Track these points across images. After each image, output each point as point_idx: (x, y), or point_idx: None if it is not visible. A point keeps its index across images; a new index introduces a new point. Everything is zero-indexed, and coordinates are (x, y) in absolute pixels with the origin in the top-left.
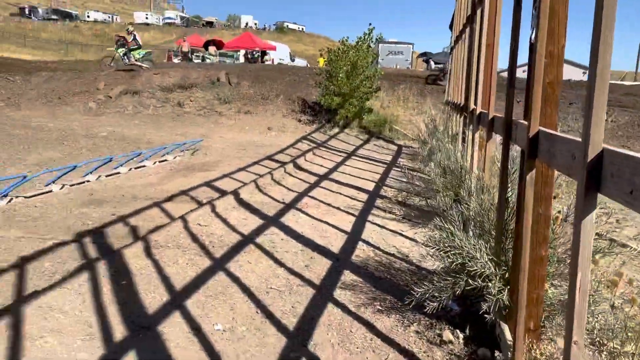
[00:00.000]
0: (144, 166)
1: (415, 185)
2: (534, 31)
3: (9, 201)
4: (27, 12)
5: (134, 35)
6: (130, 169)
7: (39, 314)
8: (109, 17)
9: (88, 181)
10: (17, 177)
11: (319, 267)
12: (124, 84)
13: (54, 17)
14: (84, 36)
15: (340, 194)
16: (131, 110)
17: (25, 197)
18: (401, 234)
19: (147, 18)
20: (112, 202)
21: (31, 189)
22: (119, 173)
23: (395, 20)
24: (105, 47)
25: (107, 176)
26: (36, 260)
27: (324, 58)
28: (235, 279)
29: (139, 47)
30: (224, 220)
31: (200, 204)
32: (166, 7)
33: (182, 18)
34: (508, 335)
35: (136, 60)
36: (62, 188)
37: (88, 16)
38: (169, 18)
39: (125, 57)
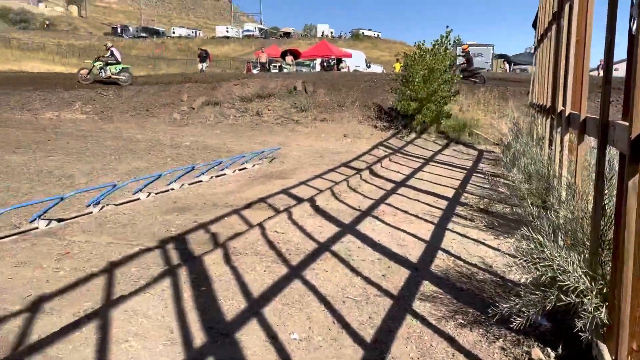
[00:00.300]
0: (224, 174)
1: (498, 192)
2: (635, 21)
3: (101, 208)
4: (119, 31)
5: (112, 51)
6: (211, 177)
7: (124, 317)
8: (193, 32)
9: (172, 189)
10: (108, 185)
11: (396, 277)
12: (205, 95)
13: (143, 34)
14: (169, 51)
15: (418, 201)
16: (212, 120)
17: (115, 205)
18: (484, 243)
19: (227, 31)
20: (194, 209)
21: (120, 197)
22: (201, 181)
23: (474, 22)
24: (189, 61)
25: (189, 184)
26: (123, 266)
27: (400, 63)
28: (312, 287)
29: (118, 63)
30: (301, 228)
31: (277, 211)
32: (245, 20)
33: (260, 30)
34: (607, 357)
35: (112, 74)
36: (148, 196)
37: (173, 32)
38: (248, 30)
39: (102, 70)
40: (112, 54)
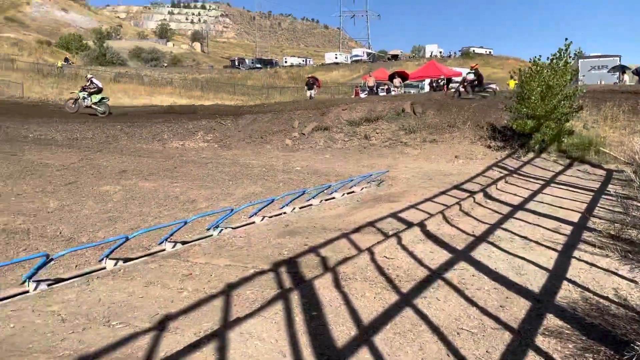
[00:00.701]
0: (333, 198)
1: (632, 217)
2: None
3: (220, 231)
4: (236, 64)
5: (92, 81)
6: (321, 201)
7: (240, 340)
8: (303, 61)
9: (284, 213)
10: (226, 210)
11: (515, 308)
12: (315, 121)
13: (258, 65)
14: (282, 80)
15: (539, 226)
16: (322, 145)
17: (232, 228)
18: (616, 274)
19: (336, 58)
20: (305, 233)
21: (237, 221)
22: (311, 205)
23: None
24: (300, 88)
25: (300, 208)
26: (239, 287)
27: (514, 80)
28: (424, 317)
29: (99, 92)
30: (411, 253)
31: (386, 236)
32: (354, 45)
33: (368, 54)
34: None
35: (92, 104)
36: (262, 219)
37: (285, 62)
38: (356, 56)
39: (85, 100)
40: (92, 83)
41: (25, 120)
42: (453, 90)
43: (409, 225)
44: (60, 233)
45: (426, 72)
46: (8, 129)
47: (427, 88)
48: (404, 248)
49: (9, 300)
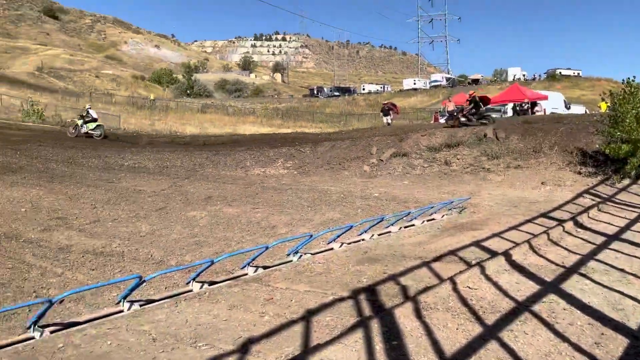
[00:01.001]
0: (412, 225)
1: None
2: None
3: (300, 257)
4: (315, 92)
5: (88, 111)
6: (400, 228)
7: None
8: (381, 88)
9: (363, 240)
10: (305, 235)
11: (612, 346)
12: (393, 147)
13: (336, 93)
14: (359, 107)
15: (637, 257)
16: (400, 171)
17: (311, 254)
18: None
19: (414, 83)
20: (384, 260)
21: (316, 246)
22: (389, 232)
23: None
24: (378, 115)
25: (379, 235)
26: (319, 314)
27: (605, 102)
28: (510, 351)
29: (94, 121)
30: (495, 284)
31: (469, 265)
32: (433, 70)
33: (447, 79)
34: None
35: (88, 130)
36: (341, 246)
37: (363, 89)
38: (435, 81)
39: (83, 126)
40: (88, 114)
41: (122, 149)
42: (451, 119)
43: (493, 254)
44: (151, 256)
45: (509, 95)
46: (107, 158)
47: (510, 112)
48: (488, 278)
49: (106, 318)
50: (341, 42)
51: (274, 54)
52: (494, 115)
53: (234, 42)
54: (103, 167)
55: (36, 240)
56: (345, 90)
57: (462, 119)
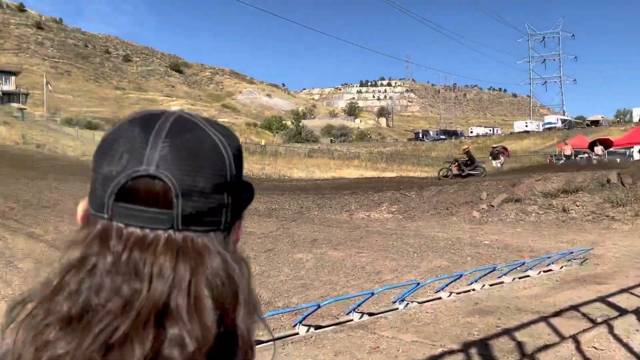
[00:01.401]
0: (527, 276)
1: None
2: None
3: (406, 305)
4: (420, 136)
5: None
6: (513, 279)
7: None
8: (490, 130)
9: (473, 290)
10: (412, 283)
11: None
12: (505, 192)
13: (442, 137)
14: None
15: None
16: (513, 218)
17: (418, 303)
18: None
19: (526, 126)
20: (497, 312)
21: (423, 295)
22: (502, 283)
23: None
24: (487, 159)
25: (490, 285)
26: None
27: None
28: None
29: None
30: (626, 345)
31: (594, 323)
32: (546, 112)
33: (563, 121)
34: None
35: None
36: (449, 295)
37: (471, 132)
38: (549, 123)
39: None
40: None
41: None
42: (445, 170)
43: (622, 311)
44: (260, 296)
45: (635, 138)
46: None
47: (636, 156)
48: (618, 339)
49: None
50: (447, 85)
51: (379, 99)
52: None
53: (340, 89)
54: None
55: None
56: (452, 134)
57: (455, 171)
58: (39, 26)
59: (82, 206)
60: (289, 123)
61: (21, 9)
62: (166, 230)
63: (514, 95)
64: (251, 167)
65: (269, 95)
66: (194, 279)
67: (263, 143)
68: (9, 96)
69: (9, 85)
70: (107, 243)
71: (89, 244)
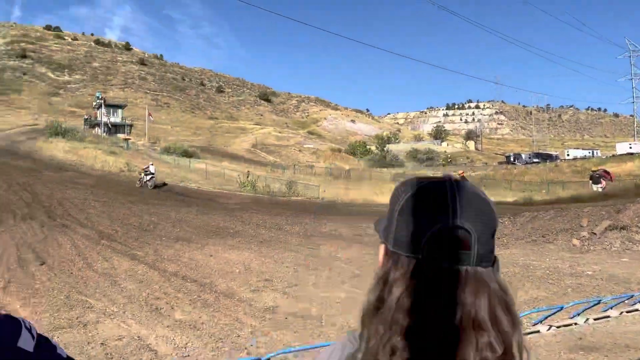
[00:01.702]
0: (637, 310)
1: None
2: None
3: None
4: (512, 159)
5: (149, 167)
6: (621, 313)
7: None
8: (589, 153)
9: (576, 323)
10: None
11: None
12: (608, 219)
13: (536, 160)
14: (564, 174)
15: None
16: (618, 247)
17: None
18: None
19: (630, 147)
20: (603, 349)
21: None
22: (608, 317)
23: None
24: (585, 183)
25: (595, 319)
26: None
27: None
28: None
29: (152, 174)
30: None
31: None
32: None
33: None
34: None
35: (145, 181)
36: (549, 329)
37: (568, 154)
38: None
39: (143, 178)
40: (148, 168)
41: (320, 216)
42: None
43: None
44: (347, 323)
45: None
46: (307, 225)
47: None
48: None
49: None
50: (540, 106)
51: (466, 122)
52: None
53: (425, 113)
54: (304, 233)
55: (247, 299)
56: (547, 157)
57: None
58: (142, 62)
59: (382, 250)
60: (373, 148)
61: (127, 47)
62: (466, 266)
63: (616, 115)
64: (336, 192)
65: (352, 121)
66: (489, 300)
67: (347, 168)
68: (116, 127)
69: (117, 118)
70: (426, 276)
71: (410, 279)
